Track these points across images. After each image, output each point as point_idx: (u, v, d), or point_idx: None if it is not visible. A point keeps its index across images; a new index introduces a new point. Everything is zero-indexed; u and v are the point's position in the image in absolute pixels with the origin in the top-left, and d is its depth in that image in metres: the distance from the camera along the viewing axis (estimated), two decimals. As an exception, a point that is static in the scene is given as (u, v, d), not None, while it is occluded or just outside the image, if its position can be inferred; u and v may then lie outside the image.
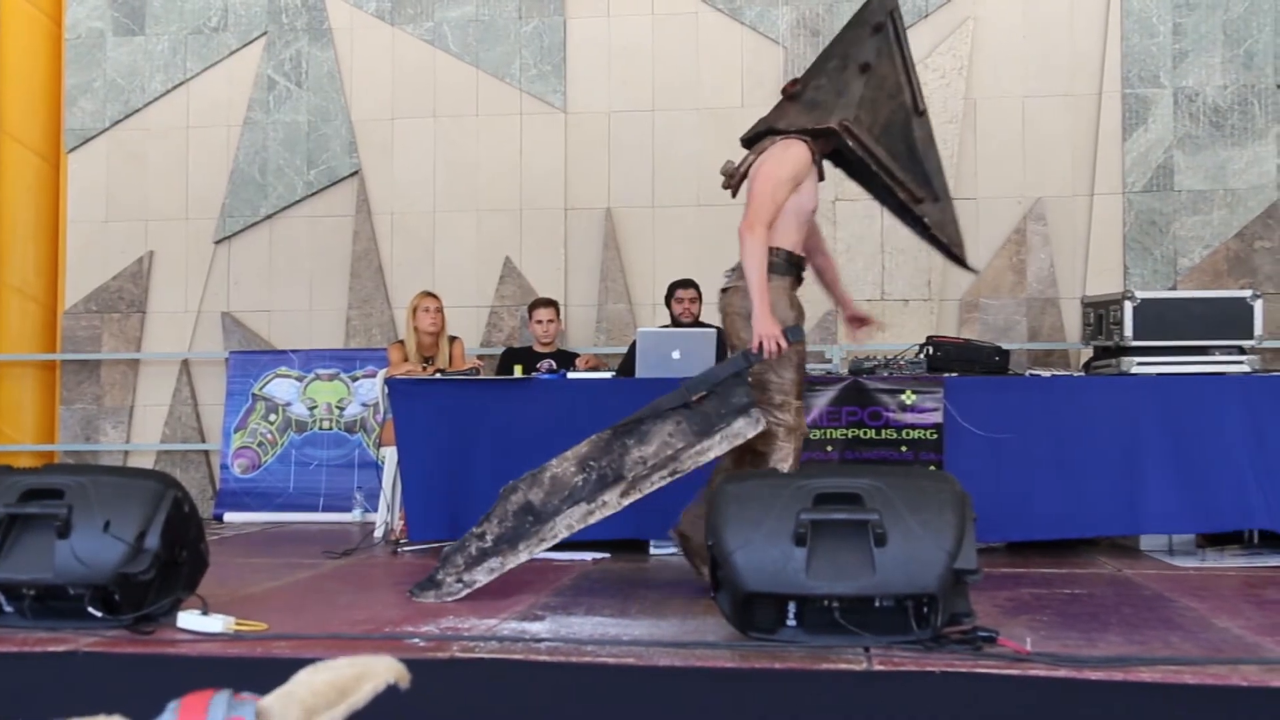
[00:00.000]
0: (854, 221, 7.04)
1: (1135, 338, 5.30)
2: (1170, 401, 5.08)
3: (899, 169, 4.16)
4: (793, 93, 4.22)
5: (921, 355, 5.43)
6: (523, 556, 4.03)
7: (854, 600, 3.15)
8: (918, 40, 6.99)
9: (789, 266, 4.11)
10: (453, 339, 6.36)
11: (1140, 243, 6.79)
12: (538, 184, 7.31)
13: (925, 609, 3.13)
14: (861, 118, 4.09)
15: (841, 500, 3.22)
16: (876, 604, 3.16)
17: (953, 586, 3.15)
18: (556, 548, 5.21)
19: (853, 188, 7.01)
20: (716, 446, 3.92)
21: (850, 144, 4.08)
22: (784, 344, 3.94)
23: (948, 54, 7.02)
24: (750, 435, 3.93)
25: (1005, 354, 5.55)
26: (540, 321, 6.47)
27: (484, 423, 5.32)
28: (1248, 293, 5.41)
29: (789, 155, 4.05)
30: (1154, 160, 6.79)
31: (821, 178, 4.23)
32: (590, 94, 7.32)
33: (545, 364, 6.21)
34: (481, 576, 3.99)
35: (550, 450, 5.22)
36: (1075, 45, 6.94)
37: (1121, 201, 6.83)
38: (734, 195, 4.31)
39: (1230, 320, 5.30)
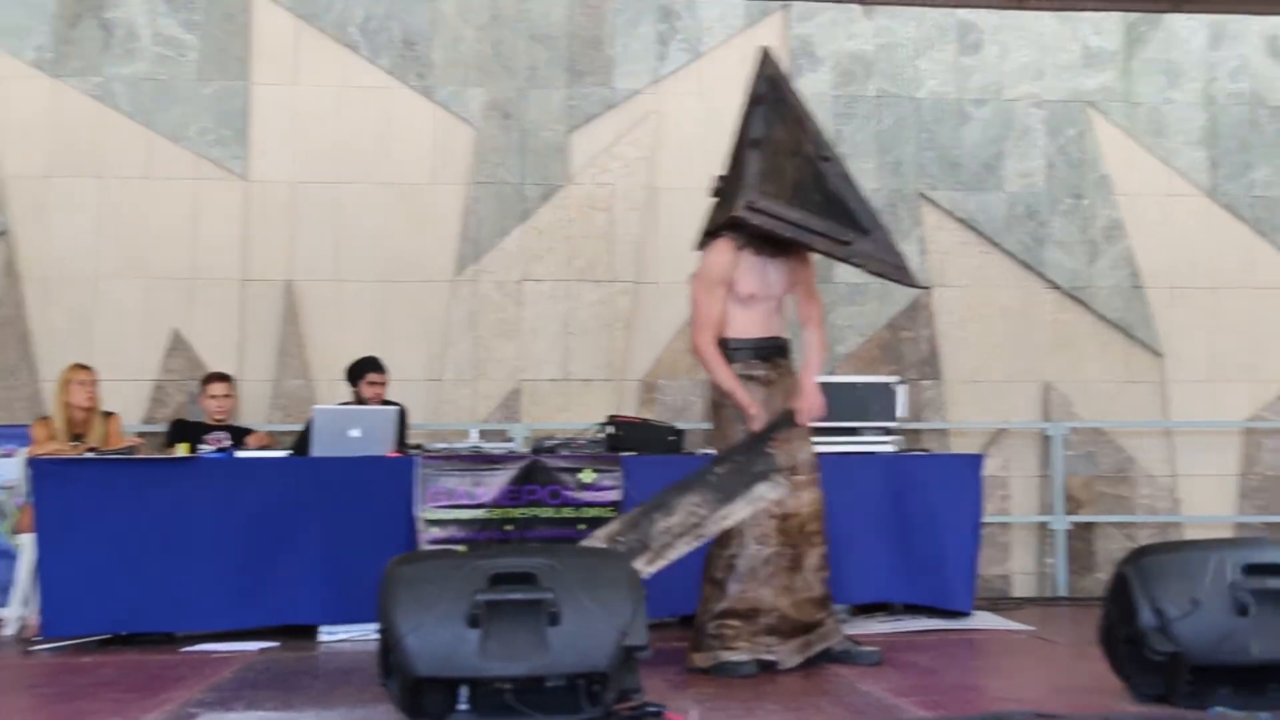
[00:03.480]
0: (539, 302, 7.15)
1: (797, 419, 5.64)
2: (826, 479, 5.41)
3: (817, 222, 4.20)
4: (713, 191, 4.40)
5: (602, 434, 5.55)
6: None
7: (526, 681, 3.15)
8: (605, 130, 7.30)
9: (751, 352, 4.24)
10: (109, 415, 5.94)
11: (804, 330, 7.26)
12: (212, 253, 6.99)
13: (596, 687, 3.17)
14: (767, 190, 4.18)
15: (517, 580, 3.22)
16: (549, 683, 3.17)
17: (623, 663, 3.21)
18: (218, 639, 4.97)
19: (538, 268, 7.18)
20: (739, 511, 4.05)
21: (755, 223, 4.14)
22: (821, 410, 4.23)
23: (632, 145, 7.31)
24: (772, 498, 4.07)
25: (680, 433, 5.77)
26: (214, 396, 6.15)
27: (143, 505, 4.98)
28: (893, 378, 5.91)
29: (708, 262, 4.25)
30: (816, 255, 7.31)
31: (782, 243, 4.26)
32: (273, 162, 7.11)
33: (216, 436, 5.89)
34: None
35: (218, 533, 4.98)
36: (746, 144, 7.40)
37: (787, 291, 7.30)
38: None
39: (878, 403, 5.77)
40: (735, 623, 4.15)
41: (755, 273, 4.27)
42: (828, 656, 4.26)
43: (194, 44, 7.10)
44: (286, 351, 6.95)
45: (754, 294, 4.27)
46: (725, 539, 4.18)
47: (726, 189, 4.35)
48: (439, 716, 3.14)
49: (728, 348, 4.26)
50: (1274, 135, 7.67)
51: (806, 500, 4.25)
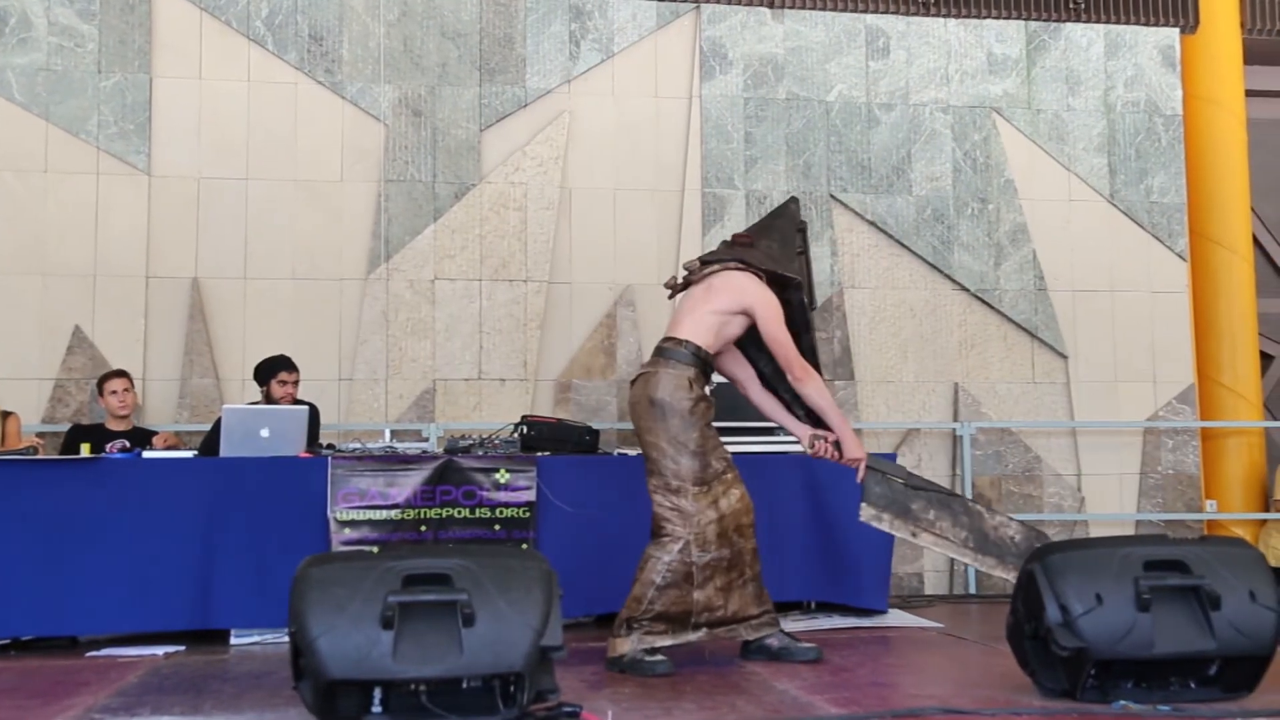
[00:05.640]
0: (453, 301, 7.10)
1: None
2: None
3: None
4: (747, 242, 4.51)
5: (516, 434, 5.52)
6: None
7: (441, 682, 3.11)
8: (518, 129, 7.28)
9: (694, 359, 4.23)
10: (7, 414, 5.76)
11: (717, 330, 7.31)
12: (115, 249, 6.81)
13: (512, 688, 3.14)
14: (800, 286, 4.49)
15: (430, 581, 3.18)
16: (464, 685, 3.14)
17: (539, 663, 3.19)
18: (123, 643, 4.84)
19: (451, 267, 7.12)
20: (986, 566, 4.47)
21: (804, 296, 4.44)
22: (862, 472, 4.38)
23: (545, 144, 7.30)
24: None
25: (595, 433, 5.75)
26: (114, 393, 5.96)
27: (43, 508, 4.81)
28: (806, 378, 5.96)
29: (773, 302, 4.31)
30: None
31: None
32: (178, 157, 6.95)
33: (117, 444, 5.73)
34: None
35: (123, 535, 4.83)
36: (661, 146, 7.45)
37: (701, 292, 7.34)
38: (671, 297, 4.58)
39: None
40: (664, 625, 4.17)
41: (745, 329, 4.43)
42: (766, 654, 4.30)
43: (92, 34, 6.91)
44: (193, 350, 6.80)
45: (735, 340, 4.44)
46: (664, 544, 4.19)
47: (772, 253, 4.51)
48: (353, 719, 3.09)
49: (684, 347, 4.25)
50: (1168, 143, 7.93)
51: (736, 497, 4.29)
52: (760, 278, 4.36)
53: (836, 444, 4.42)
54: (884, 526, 4.45)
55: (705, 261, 4.47)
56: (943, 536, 4.45)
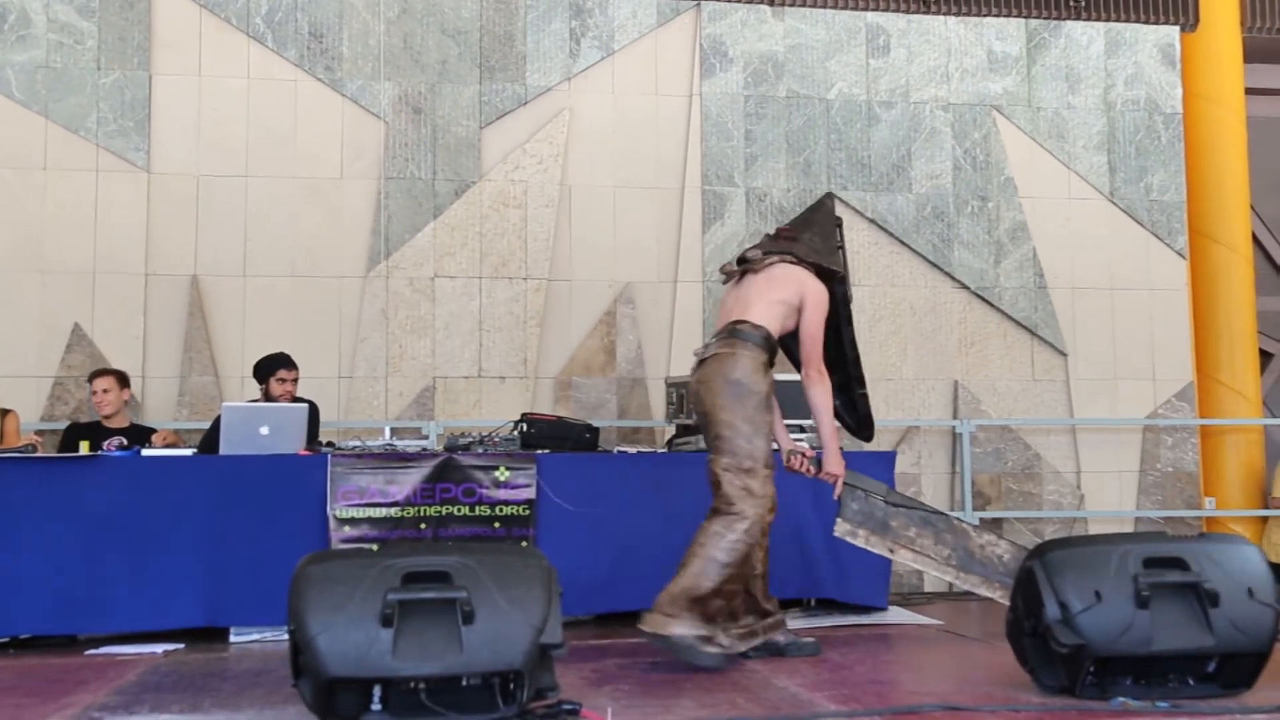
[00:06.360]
0: (453, 298, 7.09)
1: (711, 416, 5.66)
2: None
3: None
4: (791, 236, 4.62)
5: (516, 432, 5.52)
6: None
7: (441, 680, 3.11)
8: (518, 126, 7.27)
9: (765, 344, 4.34)
10: (6, 412, 5.75)
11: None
12: (114, 246, 6.80)
13: (511, 685, 3.15)
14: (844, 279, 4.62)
15: (430, 579, 3.18)
16: (464, 682, 3.14)
17: (539, 661, 3.19)
18: (122, 641, 4.84)
19: (451, 264, 7.12)
20: (973, 585, 4.58)
21: (848, 291, 4.58)
22: (839, 489, 4.51)
23: (545, 141, 7.29)
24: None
25: (595, 431, 5.75)
26: (94, 392, 5.94)
27: (41, 506, 4.81)
28: (806, 376, 5.95)
29: (824, 298, 4.44)
30: (729, 252, 7.36)
31: None
32: (177, 154, 6.94)
33: (114, 441, 5.73)
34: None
35: (122, 533, 4.82)
36: (661, 143, 7.44)
37: (701, 289, 7.35)
38: (726, 282, 4.71)
39: (793, 401, 5.80)
40: (719, 602, 4.16)
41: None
42: (769, 650, 4.30)
43: (91, 31, 6.90)
44: (193, 348, 6.79)
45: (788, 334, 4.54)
46: (732, 522, 4.20)
47: (816, 246, 4.59)
48: (352, 717, 3.09)
49: (759, 332, 4.33)
50: (1168, 141, 7.92)
51: (772, 492, 4.36)
52: (811, 271, 4.48)
53: (815, 460, 4.46)
54: (859, 542, 4.47)
55: (765, 252, 4.55)
56: (922, 553, 4.47)
